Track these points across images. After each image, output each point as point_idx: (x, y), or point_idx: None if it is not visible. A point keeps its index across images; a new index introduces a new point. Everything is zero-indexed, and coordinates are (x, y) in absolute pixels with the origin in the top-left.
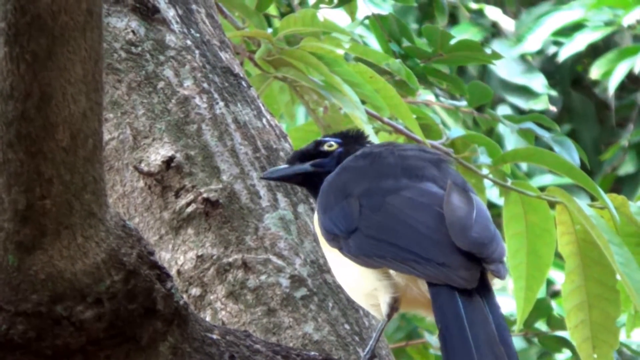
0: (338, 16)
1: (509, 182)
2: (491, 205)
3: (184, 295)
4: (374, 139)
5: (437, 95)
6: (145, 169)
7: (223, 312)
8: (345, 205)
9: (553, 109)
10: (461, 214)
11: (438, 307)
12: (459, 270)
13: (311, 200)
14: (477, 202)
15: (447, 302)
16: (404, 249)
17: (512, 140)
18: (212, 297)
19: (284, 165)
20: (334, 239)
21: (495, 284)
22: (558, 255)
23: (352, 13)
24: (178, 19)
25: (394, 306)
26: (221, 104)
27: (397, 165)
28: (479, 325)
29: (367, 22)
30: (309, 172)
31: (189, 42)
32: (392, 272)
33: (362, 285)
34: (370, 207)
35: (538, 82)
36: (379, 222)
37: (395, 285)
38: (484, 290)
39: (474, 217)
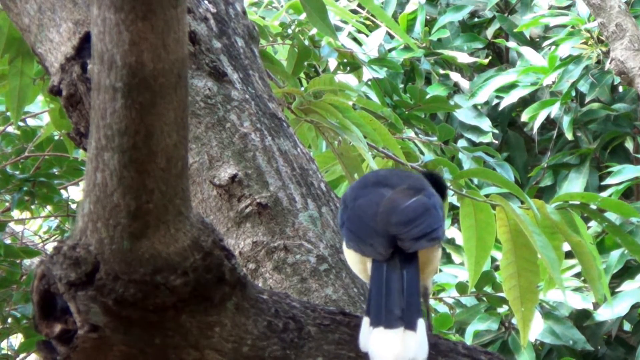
0: (349, 79)
1: (464, 191)
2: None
3: (244, 269)
4: (372, 161)
5: (416, 133)
6: (217, 182)
7: (270, 281)
8: (343, 208)
9: (495, 142)
10: (389, 206)
11: (372, 272)
12: (380, 248)
13: (331, 203)
14: (419, 199)
15: (376, 269)
16: (357, 235)
17: (468, 164)
18: (263, 270)
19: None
20: (340, 233)
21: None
22: (498, 241)
23: (359, 77)
24: (240, 80)
25: None
26: (269, 138)
27: (377, 181)
28: (393, 282)
29: (369, 83)
30: None
31: (247, 96)
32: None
33: (356, 265)
34: (349, 207)
35: (485, 123)
36: (349, 217)
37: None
38: (405, 261)
39: (401, 208)
